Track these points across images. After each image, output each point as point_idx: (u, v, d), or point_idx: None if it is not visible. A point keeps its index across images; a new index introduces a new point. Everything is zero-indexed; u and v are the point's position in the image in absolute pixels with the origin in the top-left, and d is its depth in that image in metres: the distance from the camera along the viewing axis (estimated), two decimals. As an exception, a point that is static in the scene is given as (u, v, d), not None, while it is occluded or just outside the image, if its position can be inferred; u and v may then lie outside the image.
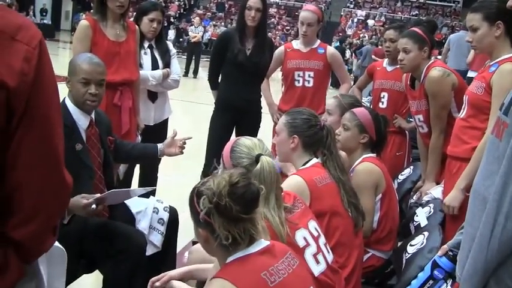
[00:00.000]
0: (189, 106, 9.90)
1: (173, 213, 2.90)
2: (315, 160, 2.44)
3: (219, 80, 4.10)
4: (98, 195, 2.40)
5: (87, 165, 2.59)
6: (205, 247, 1.64)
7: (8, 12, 1.04)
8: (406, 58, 3.24)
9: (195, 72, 15.41)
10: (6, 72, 0.98)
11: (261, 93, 4.16)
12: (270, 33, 25.50)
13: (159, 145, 2.97)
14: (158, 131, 3.82)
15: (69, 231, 2.35)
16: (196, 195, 1.58)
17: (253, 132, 3.93)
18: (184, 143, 3.00)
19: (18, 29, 1.03)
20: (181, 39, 22.76)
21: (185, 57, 15.88)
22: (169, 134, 3.05)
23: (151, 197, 3.08)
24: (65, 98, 2.60)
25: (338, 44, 18.69)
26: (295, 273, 1.61)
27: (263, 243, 1.61)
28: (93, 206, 2.36)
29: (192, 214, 1.61)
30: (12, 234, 1.07)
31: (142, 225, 2.76)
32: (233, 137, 3.92)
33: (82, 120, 2.63)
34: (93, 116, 2.69)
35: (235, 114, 3.99)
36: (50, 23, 25.38)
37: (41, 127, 1.05)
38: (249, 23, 3.85)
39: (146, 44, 3.84)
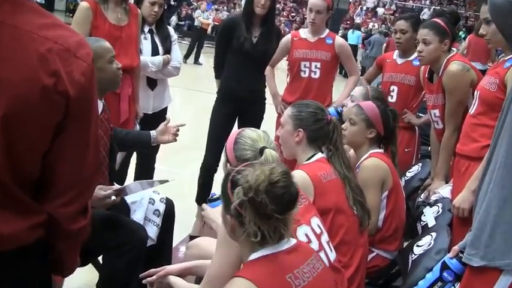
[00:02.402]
0: (190, 94, 9.90)
1: (170, 205, 2.92)
2: (320, 155, 2.45)
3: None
4: (116, 186, 2.42)
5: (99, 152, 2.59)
6: (229, 234, 1.64)
7: (66, 30, 1.29)
8: (426, 50, 3.24)
9: (197, 59, 15.39)
10: (70, 83, 1.24)
11: (265, 83, 4.17)
12: (274, 20, 25.56)
13: (152, 132, 2.99)
14: (157, 120, 3.81)
15: None
16: (231, 182, 1.58)
17: (257, 124, 3.94)
18: (178, 129, 3.01)
19: (78, 47, 1.28)
20: (181, 23, 22.69)
21: (185, 42, 15.87)
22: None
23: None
24: None
25: (351, 32, 18.47)
26: (319, 277, 1.61)
27: (291, 241, 1.61)
28: (113, 197, 2.39)
29: (223, 198, 1.61)
30: (46, 207, 1.33)
31: (137, 216, 2.78)
32: (235, 128, 3.95)
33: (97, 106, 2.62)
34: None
35: (238, 104, 4.00)
36: (43, 2, 25.27)
37: (86, 126, 1.34)
38: (258, 10, 3.83)
39: (146, 29, 3.83)
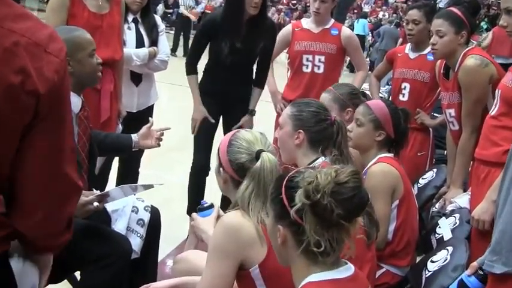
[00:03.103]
0: (178, 91, 9.85)
1: (155, 214, 2.91)
2: (322, 159, 2.45)
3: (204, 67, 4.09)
4: (98, 192, 2.42)
5: (78, 154, 2.60)
6: (280, 250, 1.61)
7: (36, 22, 1.26)
8: (440, 42, 3.25)
9: (186, 50, 15.38)
10: (40, 81, 1.21)
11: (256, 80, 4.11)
12: (273, 8, 25.58)
13: (134, 136, 2.99)
14: (142, 119, 3.82)
15: None
16: (286, 185, 1.56)
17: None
18: (162, 134, 3.02)
19: (49, 41, 1.26)
20: (169, 12, 22.66)
21: (174, 33, 15.90)
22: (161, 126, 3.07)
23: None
24: None
25: (357, 21, 18.48)
26: None
27: (350, 268, 1.59)
28: (95, 204, 2.39)
29: (275, 205, 1.59)
30: (15, 225, 1.31)
31: (118, 226, 2.77)
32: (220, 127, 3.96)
33: (75, 103, 2.61)
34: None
35: (222, 101, 3.99)
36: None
37: (56, 128, 1.29)
38: (251, 11, 3.71)
39: (130, 18, 3.83)
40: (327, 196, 1.46)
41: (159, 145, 3.03)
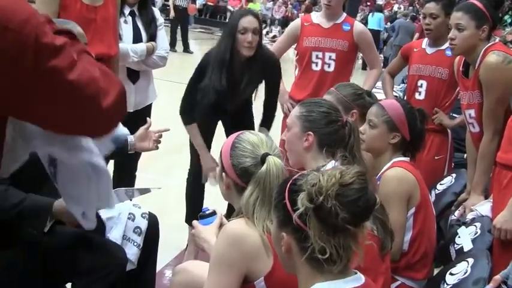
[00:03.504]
0: (175, 88, 9.86)
1: (153, 222, 2.91)
2: (333, 164, 2.45)
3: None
4: None
5: None
6: (285, 259, 1.62)
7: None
8: (459, 37, 3.23)
9: (185, 45, 15.42)
10: None
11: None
12: (279, 0, 25.60)
13: (130, 137, 2.99)
14: (139, 119, 3.81)
15: (31, 243, 2.37)
16: (289, 188, 1.56)
17: (249, 124, 3.91)
18: (161, 135, 3.02)
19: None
20: (168, 4, 22.74)
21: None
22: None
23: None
24: None
25: (371, 15, 18.40)
26: None
27: (361, 277, 1.59)
28: None
29: (278, 211, 1.59)
30: None
31: (114, 234, 2.77)
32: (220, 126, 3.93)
33: None
34: None
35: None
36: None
37: None
38: (245, 52, 3.52)
39: (127, 11, 3.84)
40: (331, 199, 1.46)
41: (157, 148, 3.03)
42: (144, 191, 2.73)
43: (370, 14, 18.61)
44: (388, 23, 19.57)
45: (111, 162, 3.94)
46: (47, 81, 1.23)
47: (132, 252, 2.77)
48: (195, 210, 3.80)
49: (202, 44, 19.40)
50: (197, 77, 3.70)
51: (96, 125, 1.37)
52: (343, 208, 1.46)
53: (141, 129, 3.00)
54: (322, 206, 1.46)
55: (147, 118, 3.11)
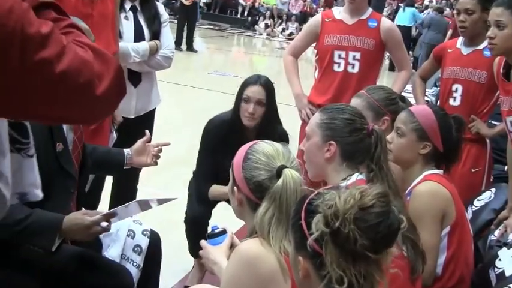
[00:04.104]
0: (181, 91, 9.95)
1: (155, 240, 2.93)
2: (357, 176, 2.44)
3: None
4: (104, 211, 2.47)
5: (67, 172, 2.61)
6: (303, 285, 1.61)
7: None
8: (499, 36, 3.23)
9: (189, 43, 15.48)
10: None
11: None
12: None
13: (127, 151, 3.01)
14: (141, 126, 3.83)
15: (33, 265, 2.38)
16: (306, 209, 1.56)
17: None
18: (160, 150, 3.03)
19: None
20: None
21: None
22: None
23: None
24: None
25: (402, 10, 18.26)
26: None
27: None
28: (104, 224, 2.42)
29: (294, 232, 1.59)
30: None
31: (111, 253, 2.79)
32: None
33: None
34: None
35: None
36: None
37: None
38: (245, 121, 3.56)
39: (128, 6, 3.87)
40: (348, 223, 1.45)
41: (156, 163, 3.05)
42: (164, 201, 2.74)
43: (401, 8, 18.49)
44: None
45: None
46: (36, 74, 1.24)
47: (131, 274, 2.77)
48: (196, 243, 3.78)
49: (208, 42, 19.50)
50: (206, 150, 3.73)
51: (93, 112, 1.40)
52: (362, 234, 1.45)
53: (139, 143, 3.01)
54: (339, 231, 1.46)
55: (146, 130, 3.10)
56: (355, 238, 1.45)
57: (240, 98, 3.57)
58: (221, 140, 3.57)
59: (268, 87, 3.57)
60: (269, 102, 3.57)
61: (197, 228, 3.62)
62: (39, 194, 2.49)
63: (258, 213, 1.99)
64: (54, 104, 1.30)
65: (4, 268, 2.39)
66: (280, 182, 1.98)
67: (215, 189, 3.62)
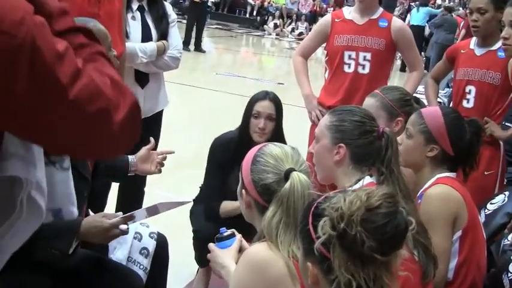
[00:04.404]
0: (189, 92, 9.96)
1: (162, 243, 2.94)
2: (368, 179, 2.44)
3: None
4: (120, 213, 2.48)
5: (81, 175, 2.62)
6: None
7: None
8: None
9: (197, 43, 15.49)
10: None
11: None
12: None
13: (131, 157, 3.01)
14: (148, 128, 3.84)
15: (47, 267, 2.39)
16: (313, 213, 1.57)
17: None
18: (165, 158, 3.04)
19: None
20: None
21: (185, 22, 16.02)
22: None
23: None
24: None
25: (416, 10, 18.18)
26: None
27: None
28: (123, 226, 2.44)
29: (302, 238, 1.60)
30: None
31: (118, 255, 2.80)
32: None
33: None
34: None
35: None
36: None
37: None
38: (256, 138, 3.54)
39: (135, 5, 3.88)
40: (355, 225, 1.46)
41: (159, 171, 3.06)
42: (181, 203, 2.76)
43: (415, 8, 18.43)
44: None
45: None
46: (44, 94, 1.18)
47: (138, 277, 2.79)
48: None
49: (216, 42, 19.50)
50: (214, 167, 3.71)
51: (104, 146, 1.32)
52: (369, 235, 1.45)
53: (143, 150, 3.02)
54: (346, 233, 1.46)
55: (151, 138, 3.10)
56: (363, 240, 1.45)
57: (249, 114, 3.57)
58: (228, 158, 3.55)
59: (276, 102, 3.59)
60: (278, 118, 3.59)
61: (206, 243, 3.59)
62: (74, 211, 2.51)
63: (266, 217, 2.00)
64: (58, 129, 1.23)
65: (18, 269, 2.41)
66: (287, 185, 1.99)
67: (226, 204, 3.60)
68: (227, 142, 3.67)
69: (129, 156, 3.01)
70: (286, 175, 2.02)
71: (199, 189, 3.91)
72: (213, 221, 3.52)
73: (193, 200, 3.82)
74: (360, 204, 1.48)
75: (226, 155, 3.58)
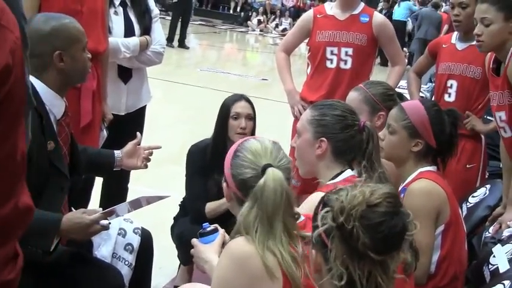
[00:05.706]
0: (173, 88, 9.93)
1: (146, 239, 2.93)
2: (349, 172, 2.46)
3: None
4: (100, 209, 2.48)
5: (59, 171, 2.60)
6: (317, 280, 1.63)
7: None
8: (486, 33, 3.23)
9: (181, 40, 15.45)
10: None
11: None
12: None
13: (117, 152, 2.99)
14: (131, 123, 3.84)
15: (27, 266, 2.37)
16: (323, 202, 1.59)
17: None
18: (151, 153, 3.02)
19: (2, 13, 1.11)
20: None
21: (169, 18, 15.95)
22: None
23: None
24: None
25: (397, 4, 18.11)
26: None
27: None
28: (105, 221, 2.43)
29: (315, 225, 1.61)
30: None
31: (102, 252, 2.79)
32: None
33: (57, 107, 2.63)
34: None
35: None
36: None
37: (7, 130, 1.15)
38: (237, 138, 3.30)
39: (117, 1, 3.85)
40: (353, 220, 1.47)
41: (146, 166, 3.04)
42: (162, 197, 2.75)
43: (397, 4, 18.44)
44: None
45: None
46: None
47: (123, 273, 2.77)
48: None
49: (200, 38, 19.45)
50: (194, 173, 3.69)
51: None
52: (364, 232, 1.46)
53: (129, 145, 3.00)
54: (343, 227, 1.48)
55: (137, 133, 3.09)
56: (358, 235, 1.47)
57: (226, 116, 3.55)
58: (206, 163, 3.55)
59: (251, 102, 3.63)
60: (255, 117, 3.61)
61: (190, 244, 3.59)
62: None
63: (242, 212, 1.98)
64: None
65: None
66: (261, 181, 1.96)
67: (210, 204, 3.57)
68: (204, 148, 3.65)
69: (115, 151, 3.00)
70: (263, 171, 2.01)
71: (178, 207, 3.89)
72: (198, 224, 3.50)
73: (174, 218, 3.82)
74: (362, 200, 1.49)
75: (204, 160, 3.58)
